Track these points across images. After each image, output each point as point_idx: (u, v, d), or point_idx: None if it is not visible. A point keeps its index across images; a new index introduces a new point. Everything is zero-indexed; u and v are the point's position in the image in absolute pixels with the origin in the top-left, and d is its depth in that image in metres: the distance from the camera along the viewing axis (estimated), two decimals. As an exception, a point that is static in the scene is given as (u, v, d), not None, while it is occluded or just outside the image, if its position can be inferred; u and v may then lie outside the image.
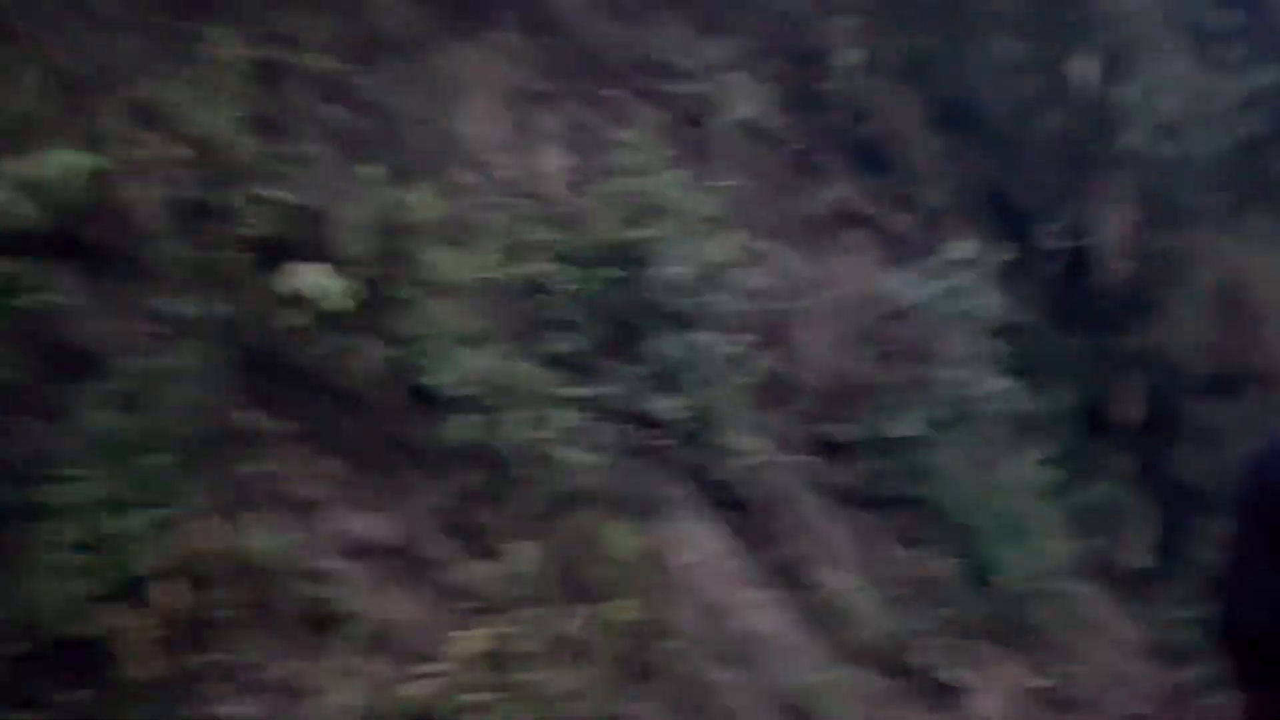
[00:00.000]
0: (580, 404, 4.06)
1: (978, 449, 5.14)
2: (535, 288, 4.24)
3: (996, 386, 4.86)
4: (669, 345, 4.42)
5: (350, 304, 3.53)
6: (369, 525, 3.62)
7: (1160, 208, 5.83)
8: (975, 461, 5.14)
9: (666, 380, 4.40)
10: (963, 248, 4.83)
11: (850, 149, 5.93)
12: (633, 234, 4.39)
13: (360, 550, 3.48)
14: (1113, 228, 5.73)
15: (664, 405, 4.33)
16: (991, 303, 5.03)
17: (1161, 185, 5.81)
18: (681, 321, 4.53)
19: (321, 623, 3.25)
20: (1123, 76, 5.75)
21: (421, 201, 3.92)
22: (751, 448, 4.50)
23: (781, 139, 5.66)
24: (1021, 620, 4.79)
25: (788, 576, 4.35)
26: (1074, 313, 5.98)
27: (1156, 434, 5.98)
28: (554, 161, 4.70)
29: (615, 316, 4.45)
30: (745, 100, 5.35)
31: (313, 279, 3.55)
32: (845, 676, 4.13)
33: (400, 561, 3.58)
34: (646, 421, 4.31)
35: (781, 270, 5.25)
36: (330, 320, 3.54)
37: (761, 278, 5.08)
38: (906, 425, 4.80)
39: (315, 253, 3.61)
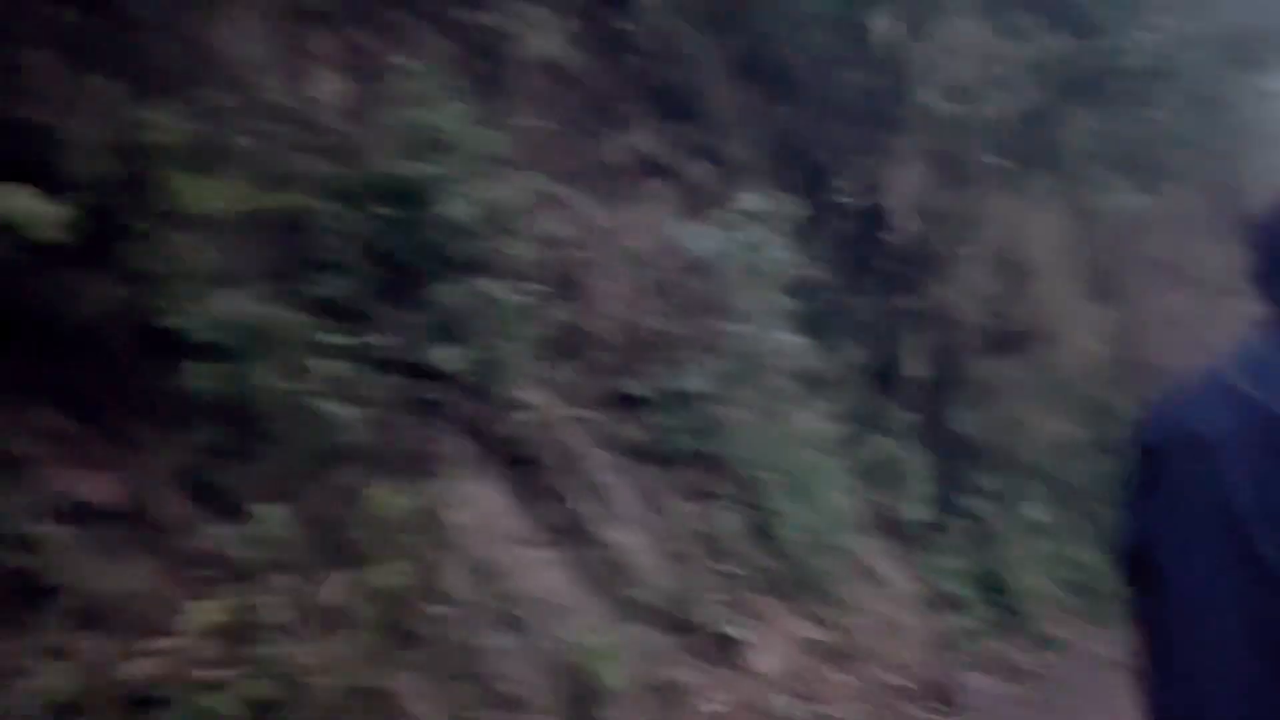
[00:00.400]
0: (347, 353, 3.74)
1: (767, 404, 5.14)
2: (298, 224, 3.86)
3: (787, 342, 4.85)
4: (451, 292, 4.15)
5: (69, 234, 3.06)
6: (92, 486, 3.22)
7: (949, 168, 5.97)
8: (765, 417, 5.14)
9: (447, 329, 4.13)
10: (758, 200, 4.75)
11: (652, 95, 5.75)
12: (412, 169, 4.07)
13: (80, 514, 3.08)
14: (904, 187, 5.82)
15: (443, 356, 4.06)
16: (785, 258, 4.99)
17: (951, 146, 5.94)
18: (466, 267, 4.25)
19: (29, 596, 2.87)
20: (920, 36, 5.81)
21: (165, 121, 3.46)
22: (537, 402, 4.30)
23: (580, 80, 5.41)
24: (805, 574, 4.83)
25: (571, 535, 4.20)
26: (866, 270, 6.07)
27: (940, 390, 6.17)
28: (326, 86, 4.29)
29: (391, 259, 4.12)
30: (542, 35, 5.06)
31: (24, 204, 3.06)
32: (625, 636, 4.04)
33: (128, 526, 3.20)
34: (423, 373, 4.04)
35: (576, 217, 5.04)
36: (53, 253, 3.07)
37: (555, 224, 4.87)
38: (697, 379, 4.72)
39: (35, 175, 3.12)
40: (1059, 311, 6.38)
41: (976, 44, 6.03)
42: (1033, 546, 6.20)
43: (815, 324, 5.76)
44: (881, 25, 5.79)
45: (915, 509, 5.79)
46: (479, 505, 4.03)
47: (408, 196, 4.09)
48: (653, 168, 5.55)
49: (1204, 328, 9.83)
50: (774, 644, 4.47)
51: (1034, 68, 6.05)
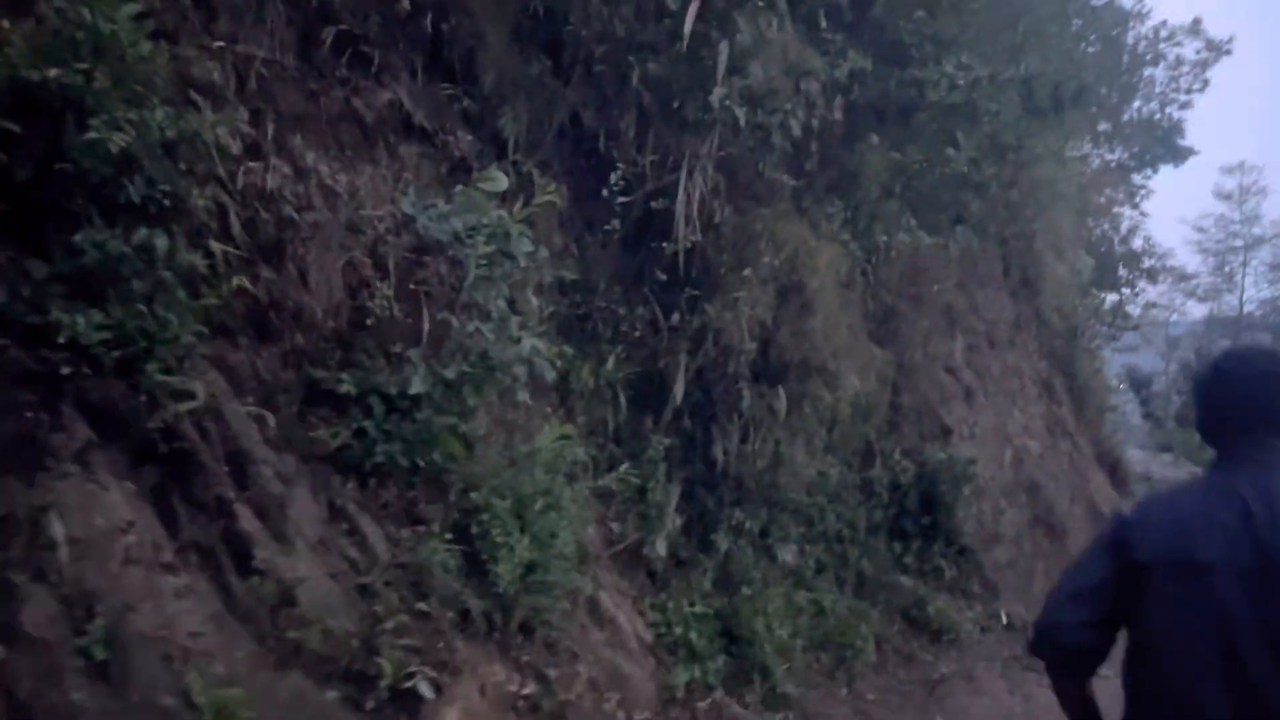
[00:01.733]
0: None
1: (502, 417, 4.49)
2: None
3: (530, 346, 4.19)
4: (95, 241, 3.26)
5: None
6: None
7: (740, 181, 5.52)
8: (497, 432, 4.48)
9: (82, 287, 3.24)
10: (519, 184, 4.07)
11: (419, 46, 4.99)
12: (53, 76, 3.16)
13: None
14: (691, 194, 5.31)
15: (74, 321, 3.17)
16: (544, 254, 4.35)
17: (745, 157, 5.49)
18: (124, 210, 3.37)
19: None
20: (726, 32, 5.30)
21: None
22: (199, 389, 3.46)
23: (331, 11, 4.58)
24: (520, 617, 4.20)
25: (221, 558, 3.38)
26: (639, 280, 5.52)
27: (702, 417, 5.70)
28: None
29: (14, 189, 3.20)
30: (284, -52, 4.23)
31: None
32: (274, 687, 3.26)
33: None
34: (37, 341, 3.13)
35: (298, 172, 4.21)
36: None
37: (267, 176, 4.03)
38: (419, 381, 3.99)
39: None
40: (835, 347, 6.05)
41: (783, 51, 5.60)
42: (783, 592, 5.83)
43: (571, 331, 5.16)
44: (682, 15, 5.24)
45: (661, 545, 5.28)
46: (101, 513, 3.15)
47: (43, 109, 3.19)
48: (407, 129, 4.78)
49: (980, 379, 9.96)
50: (464, 700, 3.80)
51: (839, 87, 5.69)
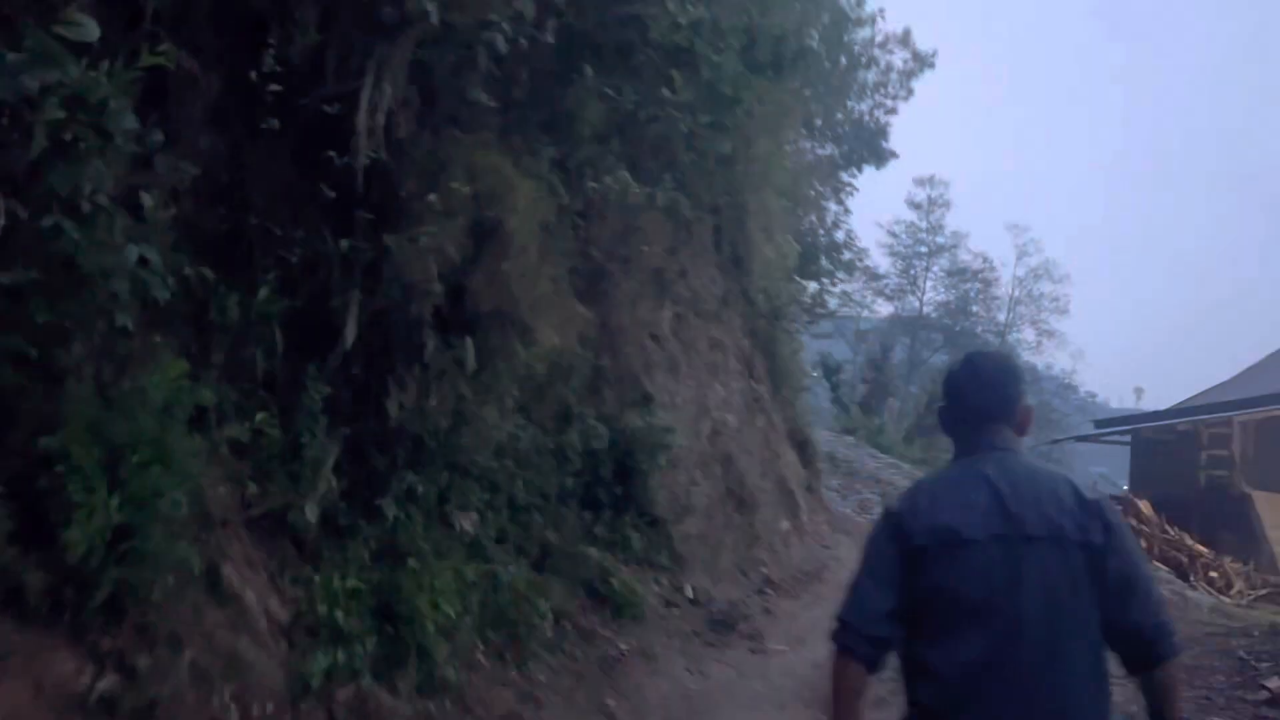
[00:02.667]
0: None
1: (101, 345, 3.55)
2: None
3: (137, 256, 3.30)
4: None
5: None
6: None
7: (433, 96, 4.81)
8: (91, 362, 3.54)
9: None
10: (85, 29, 3.10)
11: None
12: None
13: None
14: (372, 102, 4.54)
15: None
16: (155, 135, 3.45)
17: (441, 70, 4.79)
18: None
19: None
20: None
21: None
22: None
23: None
24: (102, 593, 3.32)
25: None
26: (310, 196, 4.68)
27: (373, 364, 4.97)
28: None
29: None
30: None
31: None
32: None
33: None
34: None
35: None
36: None
37: None
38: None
39: None
40: (535, 299, 5.50)
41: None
42: (455, 565, 5.23)
43: (217, 250, 4.26)
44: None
45: (311, 511, 4.51)
46: None
47: None
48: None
49: (685, 350, 9.84)
50: (10, 699, 2.92)
51: (553, 9, 5.11)
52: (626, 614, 7.02)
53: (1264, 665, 9.67)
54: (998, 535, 2.25)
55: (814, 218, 22.36)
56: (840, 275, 23.68)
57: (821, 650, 8.00)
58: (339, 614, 4.37)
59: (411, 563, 4.93)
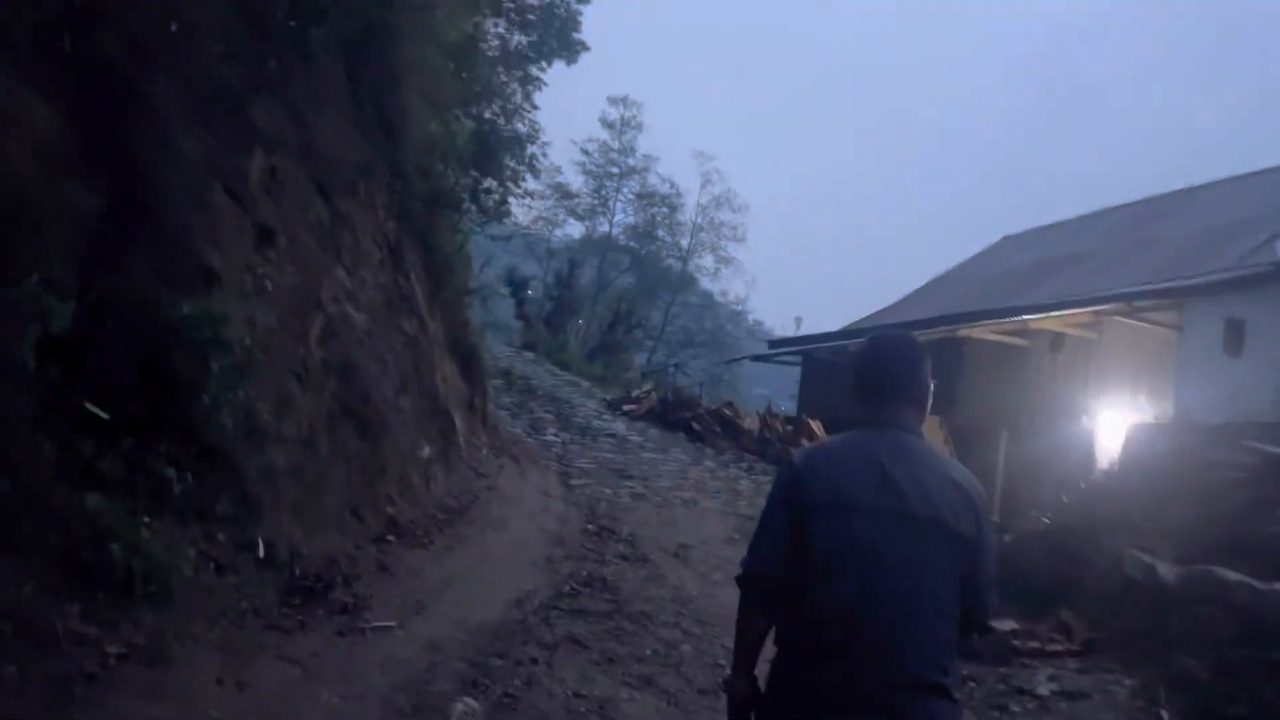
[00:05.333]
0: None
1: None
2: None
3: None
4: None
5: None
6: None
7: None
8: None
9: None
10: None
11: None
12: None
13: None
14: None
15: None
16: None
17: None
18: None
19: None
20: None
21: None
22: None
23: None
24: None
25: None
26: None
27: None
28: None
29: None
30: None
31: None
32: None
33: None
34: None
35: None
36: None
37: None
38: None
39: None
40: None
41: None
42: None
43: None
44: None
45: None
46: None
47: None
48: None
49: (285, 218, 7.31)
50: None
51: None
52: (142, 593, 4.60)
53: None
54: (882, 507, 2.40)
55: (498, 108, 20.03)
56: (525, 177, 21.56)
57: (445, 625, 6.00)
58: None
59: None
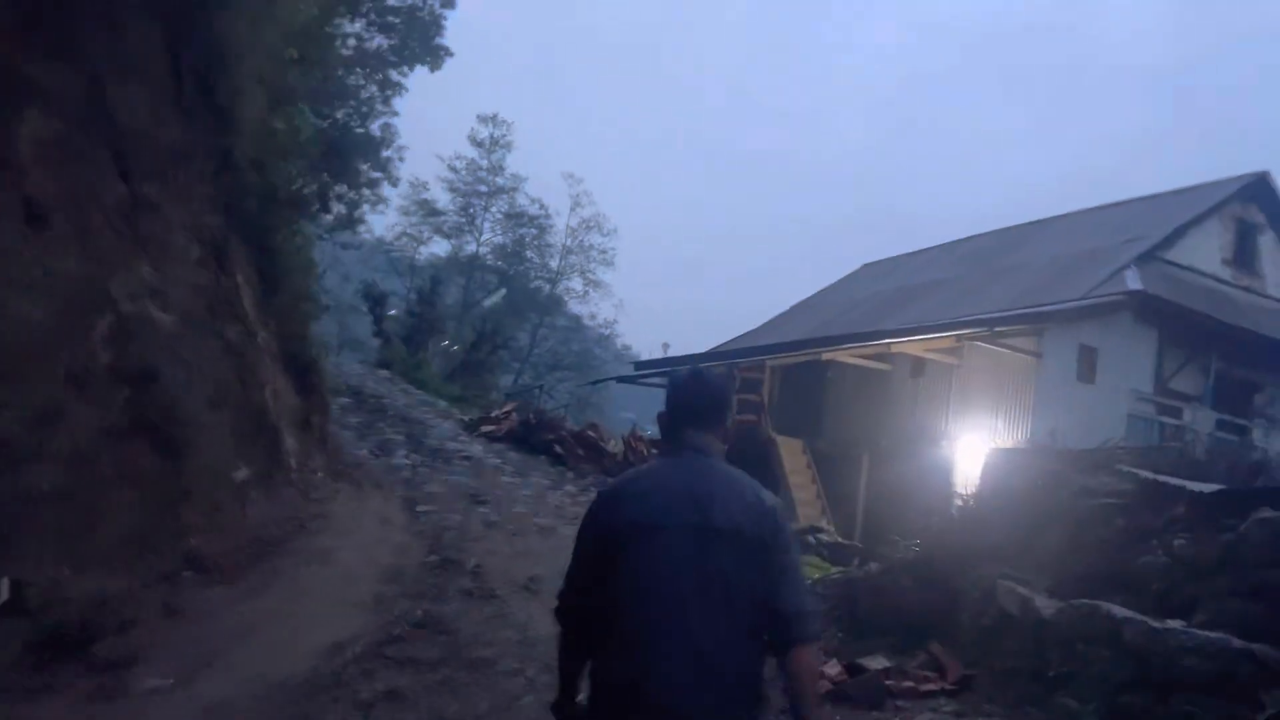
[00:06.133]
0: None
1: None
2: None
3: None
4: None
5: None
6: None
7: None
8: None
9: None
10: None
11: None
12: None
13: None
14: None
15: None
16: None
17: None
18: None
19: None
20: None
21: None
22: None
23: None
24: None
25: None
26: None
27: None
28: None
29: None
30: None
31: None
32: None
33: None
34: None
35: None
36: None
37: None
38: None
39: None
40: None
41: None
42: None
43: None
44: None
45: None
46: None
47: None
48: None
49: (70, 197, 6.23)
50: None
51: None
52: None
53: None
54: (687, 524, 2.56)
55: (352, 108, 18.91)
56: (382, 185, 20.45)
57: (238, 682, 5.03)
58: None
59: None
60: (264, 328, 10.63)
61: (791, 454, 19.83)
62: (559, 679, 2.76)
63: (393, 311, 35.98)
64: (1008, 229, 24.25)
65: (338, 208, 16.25)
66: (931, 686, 6.67)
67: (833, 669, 7.04)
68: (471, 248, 47.14)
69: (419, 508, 11.59)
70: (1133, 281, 15.54)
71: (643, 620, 2.50)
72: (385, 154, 19.82)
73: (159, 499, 6.43)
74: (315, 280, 13.26)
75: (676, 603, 2.48)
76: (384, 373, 25.71)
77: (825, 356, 18.52)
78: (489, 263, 47.47)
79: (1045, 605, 6.32)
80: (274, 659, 5.38)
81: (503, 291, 45.10)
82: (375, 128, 19.52)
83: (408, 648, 6.14)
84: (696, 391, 2.84)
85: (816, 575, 11.30)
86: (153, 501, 6.36)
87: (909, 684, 6.72)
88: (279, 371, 10.98)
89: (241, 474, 7.90)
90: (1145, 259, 16.78)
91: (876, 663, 7.08)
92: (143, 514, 6.20)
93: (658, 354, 36.96)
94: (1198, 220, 17.78)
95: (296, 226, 12.41)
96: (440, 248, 47.58)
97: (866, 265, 29.03)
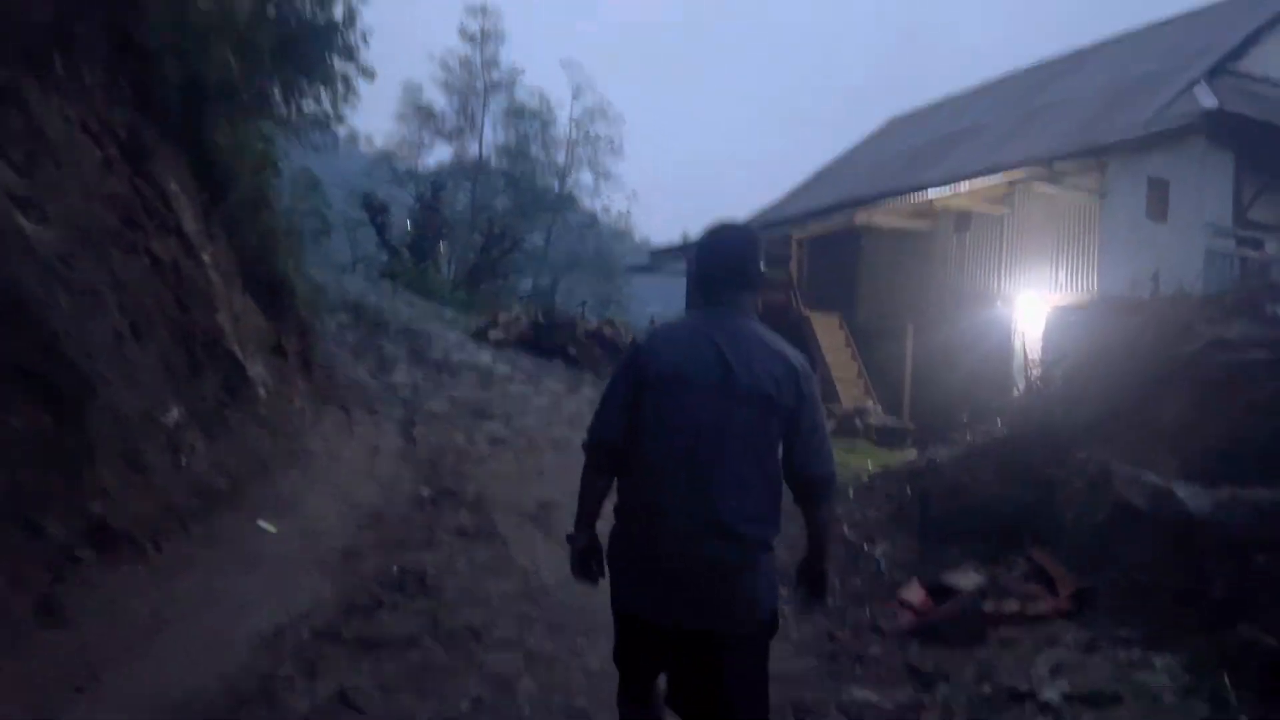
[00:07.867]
0: None
1: None
2: None
3: None
4: None
5: None
6: None
7: None
8: None
9: None
10: None
11: None
12: None
13: None
14: None
15: None
16: None
17: None
18: None
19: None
20: None
21: None
22: None
23: None
24: None
25: None
26: None
27: None
28: None
29: None
30: None
31: None
32: None
33: None
34: None
35: None
36: None
37: None
38: None
39: None
40: None
41: None
42: None
43: None
44: None
45: None
46: None
47: None
48: None
49: None
50: None
51: None
52: None
53: (880, 548, 7.02)
54: (714, 383, 2.68)
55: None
56: (355, 79, 18.54)
57: (128, 704, 3.72)
58: None
59: None
60: (212, 242, 9.16)
61: (828, 331, 18.31)
62: (579, 510, 2.88)
63: (394, 218, 34.31)
64: (1045, 63, 22.01)
65: (310, 105, 14.44)
66: (1042, 608, 5.29)
67: (915, 594, 5.66)
68: (475, 150, 45.08)
69: (416, 430, 10.27)
70: (1205, 99, 13.58)
71: (652, 462, 2.68)
72: (349, 38, 17.86)
73: (44, 461, 5.06)
74: (271, 182, 11.65)
75: (685, 450, 2.64)
76: (388, 284, 24.30)
77: (858, 220, 16.80)
78: (494, 165, 45.47)
79: (1192, 497, 4.84)
80: (187, 664, 4.06)
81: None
82: (338, 11, 17.51)
83: (373, 622, 4.83)
84: (730, 247, 2.90)
85: (871, 466, 9.91)
86: (36, 465, 5.00)
87: (1013, 606, 5.34)
88: (237, 291, 9.54)
89: (173, 416, 6.52)
90: (1215, 73, 14.72)
91: (968, 580, 5.69)
92: (22, 485, 4.85)
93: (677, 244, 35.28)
94: (1274, 22, 15.57)
95: (243, 123, 10.78)
96: (443, 153, 45.59)
97: (894, 120, 26.89)
